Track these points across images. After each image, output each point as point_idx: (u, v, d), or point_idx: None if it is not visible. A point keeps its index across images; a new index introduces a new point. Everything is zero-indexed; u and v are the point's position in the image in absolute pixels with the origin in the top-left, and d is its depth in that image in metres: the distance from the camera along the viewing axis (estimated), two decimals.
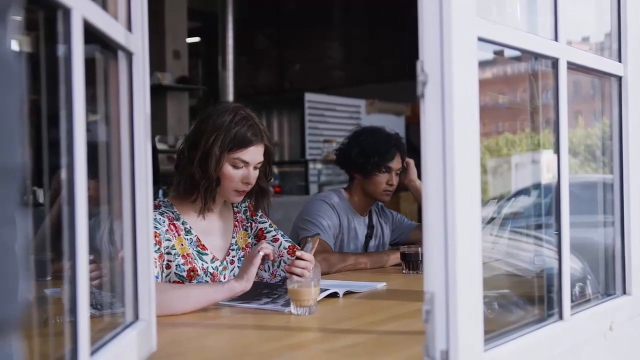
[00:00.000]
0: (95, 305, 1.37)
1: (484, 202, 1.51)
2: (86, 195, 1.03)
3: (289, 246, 2.33)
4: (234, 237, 2.31)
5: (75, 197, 1.00)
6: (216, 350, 1.58)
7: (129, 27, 1.34)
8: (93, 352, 1.09)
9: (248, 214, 2.38)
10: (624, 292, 1.80)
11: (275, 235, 2.36)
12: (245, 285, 1.92)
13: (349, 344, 1.56)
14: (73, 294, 1.00)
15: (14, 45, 0.59)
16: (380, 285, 2.34)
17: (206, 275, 2.18)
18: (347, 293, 2.16)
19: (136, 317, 1.37)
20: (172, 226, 2.16)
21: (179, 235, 2.16)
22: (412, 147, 3.99)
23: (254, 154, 2.18)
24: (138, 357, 1.32)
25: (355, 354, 1.49)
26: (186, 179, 2.17)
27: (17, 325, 0.56)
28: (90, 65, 1.09)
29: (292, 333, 1.71)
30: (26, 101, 0.60)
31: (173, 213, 2.20)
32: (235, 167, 2.16)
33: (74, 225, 1.00)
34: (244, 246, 2.33)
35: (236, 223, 2.34)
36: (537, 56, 1.55)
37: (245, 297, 2.05)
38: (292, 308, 1.86)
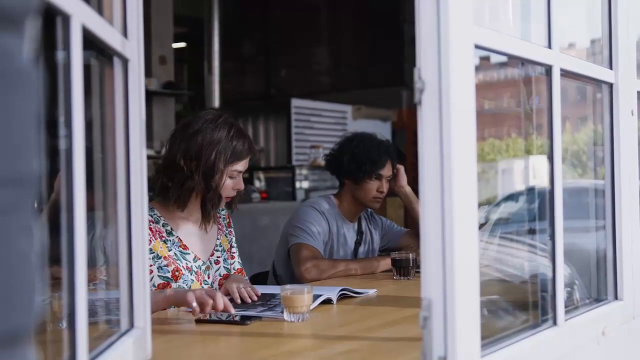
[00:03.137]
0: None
1: None
2: (85, 202, 1.02)
3: (238, 268, 2.45)
4: (218, 239, 2.40)
5: (74, 203, 0.99)
6: (210, 358, 1.57)
7: (125, 33, 1.34)
8: None
9: (226, 222, 2.48)
10: (616, 298, 1.82)
11: (235, 253, 2.48)
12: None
13: (344, 350, 1.56)
14: (72, 302, 0.99)
15: (30, 53, 0.58)
16: (372, 292, 2.34)
17: (191, 274, 2.24)
18: (342, 297, 2.16)
19: (131, 324, 1.36)
20: (149, 229, 2.18)
21: (156, 239, 2.21)
22: (398, 153, 3.99)
23: (247, 163, 2.31)
24: None
25: None
26: (185, 192, 2.22)
27: (32, 334, 0.56)
28: (85, 71, 1.08)
29: (287, 340, 1.71)
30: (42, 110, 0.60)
31: (152, 216, 2.24)
32: (231, 177, 2.27)
33: (72, 233, 0.99)
34: (227, 249, 2.43)
35: (220, 226, 2.43)
36: (531, 63, 1.56)
37: (241, 305, 2.04)
38: (285, 315, 1.85)
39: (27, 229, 0.54)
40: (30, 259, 0.54)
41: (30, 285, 0.54)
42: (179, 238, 2.26)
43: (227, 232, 2.46)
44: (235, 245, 2.49)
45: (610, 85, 1.82)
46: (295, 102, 8.13)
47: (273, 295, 2.16)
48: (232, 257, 2.46)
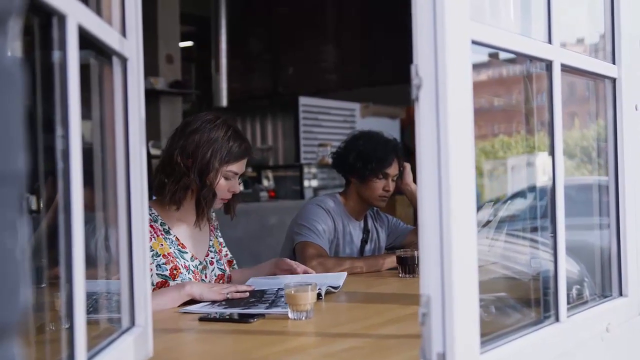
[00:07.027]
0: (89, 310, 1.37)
1: (480, 205, 1.51)
2: (82, 202, 1.02)
3: (228, 261, 2.52)
4: (211, 240, 2.45)
5: (71, 204, 1.00)
6: (213, 356, 1.57)
7: (124, 33, 1.34)
8: (90, 358, 1.09)
9: (216, 224, 2.53)
10: (620, 294, 1.81)
11: (226, 252, 2.54)
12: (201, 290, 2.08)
13: (347, 347, 1.56)
14: (70, 300, 1.00)
15: (14, 52, 0.59)
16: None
17: (188, 273, 2.28)
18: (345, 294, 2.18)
19: (132, 323, 1.36)
20: (149, 228, 2.22)
21: (157, 236, 2.25)
22: (407, 150, 3.99)
23: (243, 165, 2.35)
24: None
25: (353, 357, 1.49)
26: (181, 189, 2.26)
27: (17, 329, 0.56)
28: (84, 71, 1.09)
29: (290, 337, 1.71)
30: (26, 107, 0.60)
31: (151, 215, 2.27)
32: (226, 178, 2.30)
33: (70, 232, 1.00)
34: (218, 250, 2.47)
35: (212, 228, 2.48)
36: (531, 59, 1.55)
37: (239, 304, 2.04)
38: (289, 313, 1.85)
39: (12, 226, 0.55)
40: (15, 255, 0.55)
41: (15, 281, 0.55)
42: (176, 237, 2.31)
43: (217, 234, 2.52)
44: (223, 241, 2.54)
45: (614, 80, 1.81)
46: (303, 100, 8.14)
47: (264, 292, 2.19)
48: (226, 255, 2.53)
